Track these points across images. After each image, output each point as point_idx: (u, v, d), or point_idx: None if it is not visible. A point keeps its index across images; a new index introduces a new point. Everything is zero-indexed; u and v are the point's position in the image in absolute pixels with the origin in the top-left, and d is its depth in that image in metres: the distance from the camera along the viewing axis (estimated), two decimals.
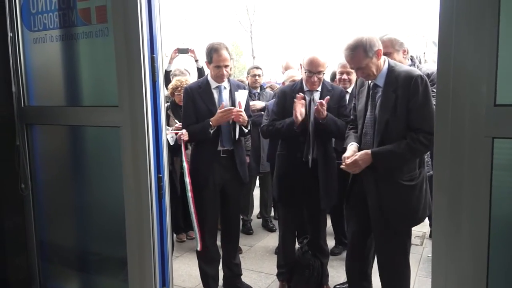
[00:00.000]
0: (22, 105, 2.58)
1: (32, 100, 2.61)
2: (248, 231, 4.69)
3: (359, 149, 2.45)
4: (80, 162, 2.54)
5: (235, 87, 3.09)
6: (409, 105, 2.27)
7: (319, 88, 2.94)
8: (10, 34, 2.50)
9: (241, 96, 2.94)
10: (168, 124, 3.77)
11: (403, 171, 2.35)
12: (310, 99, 2.87)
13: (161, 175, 2.26)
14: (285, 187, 2.99)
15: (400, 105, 2.28)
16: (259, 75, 4.86)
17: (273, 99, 3.67)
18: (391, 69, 2.37)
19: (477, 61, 1.40)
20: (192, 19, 27.72)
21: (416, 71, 2.38)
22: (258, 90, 4.84)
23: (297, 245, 3.27)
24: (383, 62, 2.39)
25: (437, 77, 1.51)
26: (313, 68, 2.84)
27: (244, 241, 4.06)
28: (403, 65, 2.46)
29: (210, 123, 2.85)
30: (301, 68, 3.00)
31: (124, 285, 2.34)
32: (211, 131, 2.87)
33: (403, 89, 2.28)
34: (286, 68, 4.54)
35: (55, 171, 2.63)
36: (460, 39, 1.42)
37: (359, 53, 2.29)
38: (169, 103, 4.01)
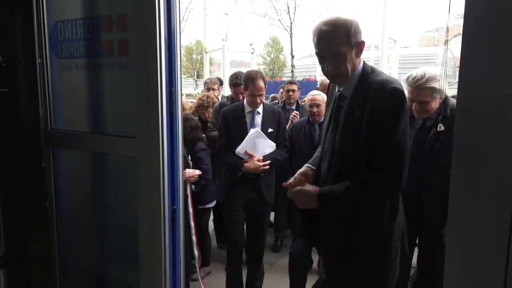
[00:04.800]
0: (49, 128, 2.66)
1: (59, 124, 2.68)
2: (275, 248, 4.66)
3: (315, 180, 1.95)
4: (100, 187, 2.59)
5: (268, 113, 3.24)
6: (374, 126, 1.63)
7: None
8: (38, 60, 2.57)
9: (251, 145, 3.12)
10: None
11: (358, 222, 1.77)
12: None
13: (175, 207, 2.27)
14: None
15: (365, 127, 1.65)
16: (293, 90, 4.65)
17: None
18: (365, 76, 1.75)
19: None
20: (233, 14, 27.98)
21: (395, 82, 1.66)
22: (293, 107, 4.65)
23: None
24: (358, 65, 1.77)
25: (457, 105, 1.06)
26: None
27: (266, 258, 4.02)
28: (385, 73, 1.78)
29: (242, 169, 3.14)
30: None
31: None
32: (240, 174, 3.18)
33: (372, 103, 1.64)
34: (321, 85, 4.43)
35: (77, 194, 2.70)
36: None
37: (339, 33, 1.69)
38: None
